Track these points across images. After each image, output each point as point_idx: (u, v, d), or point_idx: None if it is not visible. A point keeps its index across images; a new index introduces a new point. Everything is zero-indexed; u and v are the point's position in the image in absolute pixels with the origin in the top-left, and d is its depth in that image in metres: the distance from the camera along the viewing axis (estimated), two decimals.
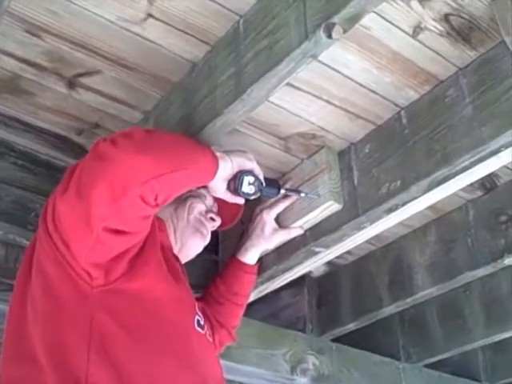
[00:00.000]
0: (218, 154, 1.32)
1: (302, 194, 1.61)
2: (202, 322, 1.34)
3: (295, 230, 1.67)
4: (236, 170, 1.38)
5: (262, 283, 1.87)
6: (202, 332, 1.33)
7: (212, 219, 1.49)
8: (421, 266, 1.98)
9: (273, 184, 1.53)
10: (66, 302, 1.11)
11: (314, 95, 1.54)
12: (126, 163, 1.08)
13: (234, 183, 1.39)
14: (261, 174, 1.45)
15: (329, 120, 1.61)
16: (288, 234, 1.67)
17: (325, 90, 1.52)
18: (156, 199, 1.14)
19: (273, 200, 1.66)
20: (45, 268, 1.14)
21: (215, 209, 1.53)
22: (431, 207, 1.83)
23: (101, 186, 1.07)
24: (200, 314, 1.37)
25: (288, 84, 1.46)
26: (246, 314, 1.75)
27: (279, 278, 1.86)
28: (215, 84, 1.38)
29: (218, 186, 1.37)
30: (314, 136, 1.66)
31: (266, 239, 1.65)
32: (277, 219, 1.69)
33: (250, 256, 1.66)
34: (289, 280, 1.90)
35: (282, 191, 1.57)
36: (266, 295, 2.16)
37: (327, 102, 1.56)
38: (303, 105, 1.57)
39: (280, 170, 1.79)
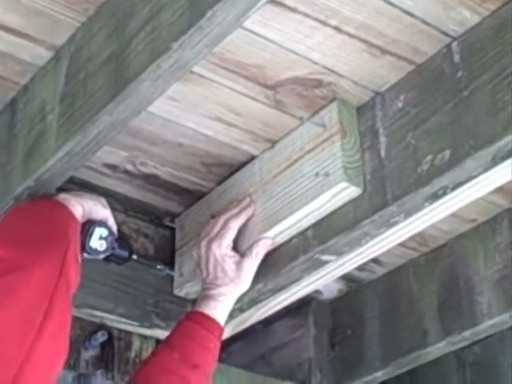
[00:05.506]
0: (61, 198, 1.62)
1: (159, 267, 1.93)
2: None
3: (263, 244, 1.75)
4: (86, 218, 1.66)
5: (243, 310, 1.88)
6: None
7: None
8: (487, 281, 2.00)
9: (123, 245, 1.79)
10: None
11: (316, 19, 1.54)
12: None
13: (80, 236, 1.63)
14: (115, 227, 1.72)
15: (341, 57, 1.63)
16: (255, 256, 1.74)
17: (334, 11, 1.52)
18: None
19: (218, 225, 1.76)
20: None
21: None
22: (502, 191, 1.85)
23: None
24: None
25: (274, 2, 1.47)
26: (220, 359, 1.77)
27: (268, 303, 1.88)
28: (160, 3, 1.38)
29: None
30: (318, 83, 1.68)
31: (234, 282, 1.73)
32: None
33: (220, 309, 1.73)
34: (284, 305, 1.92)
35: (134, 257, 1.84)
36: (252, 329, 2.17)
37: (337, 29, 1.56)
38: (301, 34, 1.57)
39: (267, 137, 1.81)
